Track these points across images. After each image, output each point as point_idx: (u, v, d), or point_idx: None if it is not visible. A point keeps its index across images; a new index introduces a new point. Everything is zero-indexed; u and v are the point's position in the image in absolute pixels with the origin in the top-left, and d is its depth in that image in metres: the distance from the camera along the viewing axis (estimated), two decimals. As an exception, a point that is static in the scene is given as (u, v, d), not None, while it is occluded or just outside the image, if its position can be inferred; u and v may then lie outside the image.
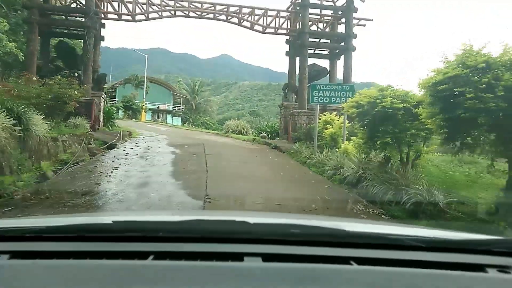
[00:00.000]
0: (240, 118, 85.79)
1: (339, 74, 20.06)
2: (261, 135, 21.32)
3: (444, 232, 1.65)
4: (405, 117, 8.45)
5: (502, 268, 1.10)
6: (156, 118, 60.55)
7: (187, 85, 73.42)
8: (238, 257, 1.07)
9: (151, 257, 1.06)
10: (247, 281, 0.94)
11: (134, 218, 1.72)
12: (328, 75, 20.26)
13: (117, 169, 9.73)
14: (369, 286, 0.96)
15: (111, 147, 13.90)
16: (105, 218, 1.73)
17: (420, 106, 8.26)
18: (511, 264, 1.13)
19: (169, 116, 61.58)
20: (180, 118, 62.61)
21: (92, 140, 13.51)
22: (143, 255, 1.06)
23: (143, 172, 9.31)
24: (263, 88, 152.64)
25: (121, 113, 46.44)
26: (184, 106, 65.99)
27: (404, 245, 1.21)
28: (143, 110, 43.48)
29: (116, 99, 50.46)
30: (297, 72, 19.60)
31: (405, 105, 8.44)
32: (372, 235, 1.34)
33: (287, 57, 20.37)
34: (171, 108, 62.33)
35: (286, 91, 20.25)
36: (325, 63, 20.69)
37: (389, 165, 9.15)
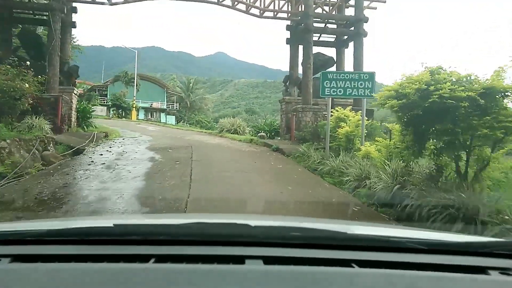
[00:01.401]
0: (236, 116, 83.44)
1: (348, 65, 17.39)
2: (259, 134, 18.60)
3: (445, 234, 1.67)
4: (469, 111, 5.79)
5: (503, 270, 1.06)
6: (150, 116, 57.84)
7: (181, 83, 70.69)
8: (239, 260, 1.04)
9: (152, 260, 1.03)
10: (248, 284, 0.91)
11: (135, 221, 1.74)
12: (335, 65, 17.55)
13: (66, 186, 7.00)
14: None
15: (77, 152, 11.15)
16: (106, 222, 1.59)
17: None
18: None
19: (162, 115, 58.86)
20: (174, 117, 59.91)
21: (52, 144, 10.75)
22: (144, 258, 1.04)
23: (100, 192, 6.56)
24: (258, 86, 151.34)
25: (111, 112, 43.62)
26: (178, 104, 63.25)
27: (405, 247, 1.17)
28: (134, 108, 40.58)
29: (108, 98, 47.66)
30: (299, 62, 16.88)
31: (469, 93, 5.76)
32: (373, 238, 1.28)
33: (288, 46, 17.64)
34: (164, 107, 59.58)
35: (287, 84, 17.50)
36: (331, 52, 18.01)
37: (443, 177, 6.50)
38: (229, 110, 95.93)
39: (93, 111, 17.65)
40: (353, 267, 1.04)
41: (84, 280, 0.93)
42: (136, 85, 42.39)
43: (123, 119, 39.97)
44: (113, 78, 47.41)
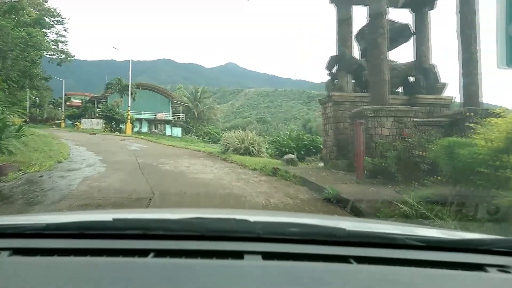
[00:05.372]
0: (247, 126, 76.44)
1: (436, 37, 9.87)
2: (285, 157, 11.05)
3: (444, 231, 1.57)
4: None
5: (502, 268, 1.02)
6: (154, 129, 51.10)
7: (188, 93, 64.03)
8: (238, 255, 1.00)
9: (152, 254, 0.99)
10: (247, 279, 0.88)
11: (134, 216, 1.59)
12: (414, 37, 10.05)
13: None
14: (368, 285, 0.89)
15: None
16: (105, 216, 1.47)
17: None
18: (511, 263, 1.04)
19: (167, 127, 51.92)
20: (180, 129, 52.91)
21: None
22: (143, 253, 1.00)
23: None
24: (269, 95, 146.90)
25: (103, 125, 36.77)
26: (185, 115, 56.28)
27: (404, 244, 1.12)
28: (128, 120, 33.49)
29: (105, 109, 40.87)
30: (353, 35, 9.47)
31: None
32: (372, 234, 1.20)
33: (328, 15, 10.31)
34: (169, 118, 52.50)
35: (333, 71, 9.97)
36: (404, 18, 10.51)
37: None
38: (240, 120, 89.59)
39: (13, 127, 10.40)
40: (352, 263, 0.99)
41: (83, 273, 0.89)
42: (132, 94, 35.38)
43: (116, 133, 32.96)
44: (105, 87, 40.37)
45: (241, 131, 13.86)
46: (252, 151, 12.87)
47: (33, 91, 60.06)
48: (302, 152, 14.00)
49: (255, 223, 1.18)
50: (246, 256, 0.99)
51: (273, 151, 14.80)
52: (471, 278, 0.97)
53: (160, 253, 1.00)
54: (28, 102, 58.58)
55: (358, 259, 1.01)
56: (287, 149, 13.95)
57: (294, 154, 13.70)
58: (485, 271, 1.00)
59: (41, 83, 59.27)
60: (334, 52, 11.00)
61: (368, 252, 1.05)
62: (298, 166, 10.64)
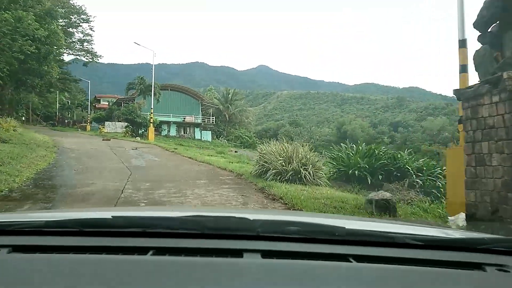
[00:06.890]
0: (279, 129, 71.18)
1: None
2: (372, 196, 6.06)
3: (443, 230, 1.54)
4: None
5: (501, 267, 1.00)
6: (182, 132, 47.46)
7: (220, 95, 60.25)
8: (237, 253, 0.99)
9: (151, 252, 0.98)
10: (246, 277, 0.88)
11: (134, 213, 1.61)
12: None
13: None
14: (367, 283, 0.89)
15: None
16: (105, 214, 1.46)
17: None
18: (510, 263, 1.02)
19: (197, 130, 48.14)
20: (210, 132, 48.95)
21: None
22: (142, 250, 0.98)
23: None
24: (301, 97, 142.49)
25: (124, 129, 33.13)
26: (215, 117, 52.34)
27: (403, 243, 1.10)
28: (151, 124, 29.50)
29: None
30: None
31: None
32: (371, 233, 1.19)
33: None
34: (199, 121, 48.67)
35: (493, 30, 4.89)
36: None
37: None
38: (273, 123, 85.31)
39: None
40: (351, 261, 0.98)
41: (83, 270, 0.88)
42: (155, 95, 31.43)
43: (137, 138, 29.11)
44: (126, 87, 36.77)
45: (286, 145, 8.91)
46: (305, 176, 7.95)
47: (65, 93, 57.74)
48: (380, 177, 8.95)
49: (255, 221, 1.14)
50: (245, 254, 0.97)
51: (332, 172, 9.82)
52: (470, 277, 0.96)
53: (159, 251, 0.98)
54: (58, 105, 56.41)
55: (358, 257, 0.98)
56: (356, 171, 8.95)
57: (368, 179, 8.68)
58: (484, 270, 0.98)
59: (73, 85, 56.09)
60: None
61: (368, 251, 1.03)
62: (398, 214, 5.66)
